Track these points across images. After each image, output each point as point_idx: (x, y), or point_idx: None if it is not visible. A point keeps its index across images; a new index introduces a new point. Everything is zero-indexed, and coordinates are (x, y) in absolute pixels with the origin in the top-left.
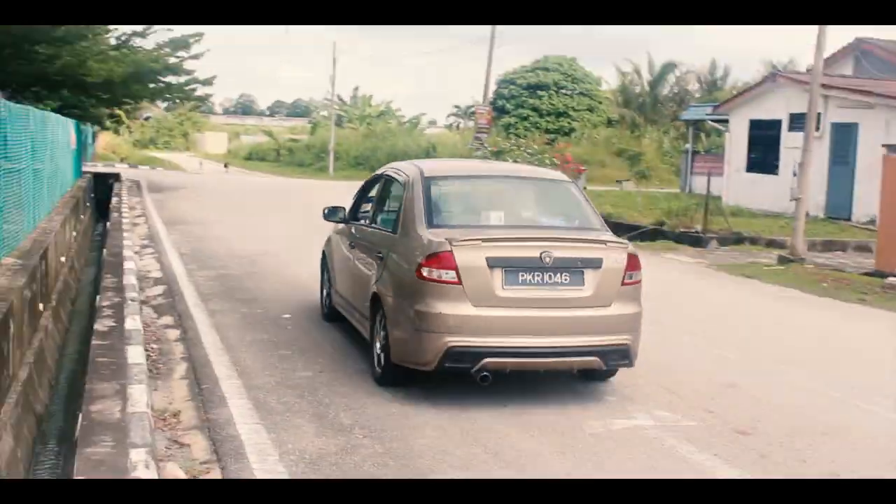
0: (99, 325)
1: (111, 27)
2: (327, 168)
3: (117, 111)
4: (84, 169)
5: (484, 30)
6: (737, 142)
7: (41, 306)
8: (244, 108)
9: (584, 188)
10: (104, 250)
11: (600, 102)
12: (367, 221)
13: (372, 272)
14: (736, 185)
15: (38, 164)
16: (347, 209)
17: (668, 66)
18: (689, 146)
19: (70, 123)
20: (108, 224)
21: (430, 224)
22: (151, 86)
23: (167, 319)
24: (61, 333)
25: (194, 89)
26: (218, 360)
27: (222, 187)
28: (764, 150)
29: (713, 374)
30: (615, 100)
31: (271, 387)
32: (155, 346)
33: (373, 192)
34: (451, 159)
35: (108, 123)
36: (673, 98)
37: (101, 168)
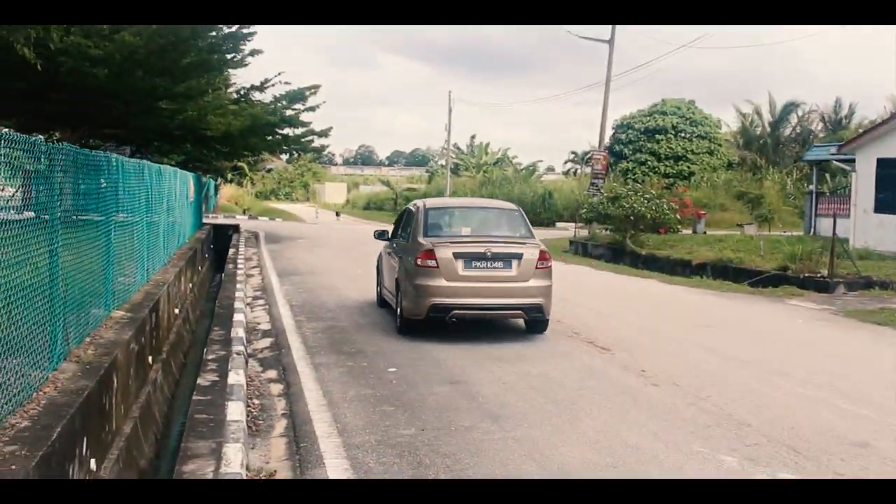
0: (202, 380)
1: (232, 82)
2: None
3: (240, 164)
4: (205, 220)
5: (599, 75)
6: (864, 182)
7: (150, 359)
8: (363, 159)
9: (704, 232)
10: (216, 302)
11: (720, 145)
12: (398, 237)
13: (396, 266)
14: (863, 226)
15: (154, 217)
16: (391, 231)
17: (790, 106)
18: (812, 187)
19: (189, 176)
20: (222, 275)
21: (425, 235)
22: (269, 138)
23: (271, 373)
24: (171, 387)
25: (311, 141)
26: (319, 417)
27: (336, 236)
28: (893, 189)
29: (843, 431)
30: (735, 142)
31: (371, 446)
32: (257, 401)
33: (403, 219)
34: (449, 197)
35: (230, 175)
36: (795, 139)
37: (221, 219)
